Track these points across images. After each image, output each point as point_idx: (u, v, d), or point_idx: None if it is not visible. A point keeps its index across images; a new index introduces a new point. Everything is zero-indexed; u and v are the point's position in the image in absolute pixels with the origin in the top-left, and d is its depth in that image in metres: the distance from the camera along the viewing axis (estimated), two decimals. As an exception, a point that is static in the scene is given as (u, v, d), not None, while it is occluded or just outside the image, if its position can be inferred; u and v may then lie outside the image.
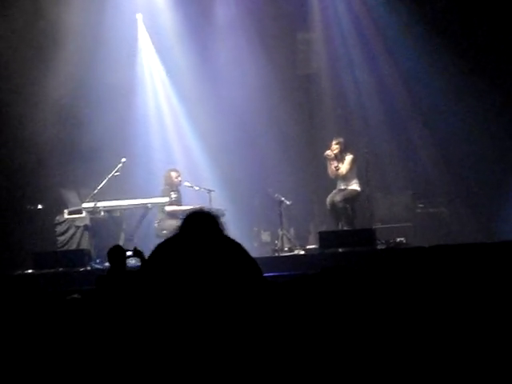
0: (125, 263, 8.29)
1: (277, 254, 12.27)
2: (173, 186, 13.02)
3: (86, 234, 12.96)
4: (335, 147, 12.56)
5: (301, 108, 15.16)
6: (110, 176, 12.75)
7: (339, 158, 12.53)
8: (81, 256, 11.78)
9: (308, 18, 15.21)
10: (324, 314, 4.64)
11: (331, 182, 12.86)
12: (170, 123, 15.47)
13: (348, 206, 12.40)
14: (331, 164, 12.55)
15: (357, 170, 12.63)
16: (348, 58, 14.89)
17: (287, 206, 13.20)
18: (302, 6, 15.07)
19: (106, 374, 4.97)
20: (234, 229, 13.04)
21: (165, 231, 12.33)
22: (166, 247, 1.66)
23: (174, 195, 12.84)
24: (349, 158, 12.51)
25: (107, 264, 11.99)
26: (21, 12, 13.85)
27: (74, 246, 12.95)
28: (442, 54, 13.81)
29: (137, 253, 8.16)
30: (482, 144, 13.73)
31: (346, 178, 12.51)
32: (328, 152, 12.53)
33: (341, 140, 12.66)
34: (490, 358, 5.73)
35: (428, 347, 5.86)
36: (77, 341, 6.49)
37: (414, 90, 14.32)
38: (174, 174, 13.12)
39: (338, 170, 12.50)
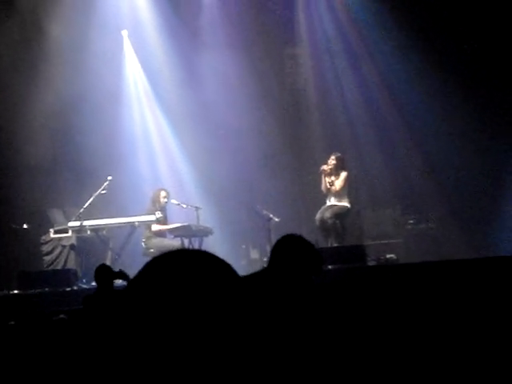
0: (112, 283, 8.17)
1: (265, 272, 12.15)
2: (158, 206, 12.88)
3: (73, 253, 12.85)
4: (332, 162, 12.51)
5: (288, 123, 15.14)
6: (96, 194, 12.66)
7: (334, 173, 12.49)
8: (67, 276, 11.66)
9: (295, 33, 15.26)
10: (315, 331, 4.56)
11: (320, 199, 12.80)
12: (157, 140, 15.43)
13: (337, 222, 12.33)
14: (325, 179, 12.50)
15: (348, 186, 12.62)
16: (335, 72, 14.92)
17: (276, 222, 13.11)
18: (288, 20, 15.12)
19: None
20: (222, 246, 13.03)
21: (152, 250, 12.25)
22: (156, 266, 1.59)
23: (158, 214, 12.71)
24: (343, 174, 12.48)
25: (94, 283, 11.91)
26: (8, 33, 13.85)
27: (60, 266, 12.83)
28: (432, 68, 13.82)
29: (121, 276, 8.04)
30: (471, 159, 13.74)
31: (337, 195, 12.46)
32: (325, 166, 12.48)
33: (339, 155, 12.63)
34: (480, 371, 5.68)
35: (419, 362, 5.81)
36: (63, 362, 6.39)
37: (402, 104, 14.35)
38: (162, 194, 12.99)
39: (331, 185, 12.44)
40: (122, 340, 1.59)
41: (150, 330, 1.55)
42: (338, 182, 12.45)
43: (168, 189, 13.31)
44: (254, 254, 14.39)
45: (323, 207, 12.58)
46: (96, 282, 8.25)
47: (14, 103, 14.05)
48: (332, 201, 12.54)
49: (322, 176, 12.57)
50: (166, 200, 12.97)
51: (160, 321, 1.55)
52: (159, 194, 12.98)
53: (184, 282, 1.59)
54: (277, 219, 13.10)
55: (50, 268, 12.85)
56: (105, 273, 8.14)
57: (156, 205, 12.86)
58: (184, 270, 1.61)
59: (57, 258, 13.08)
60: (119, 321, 1.61)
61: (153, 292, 1.58)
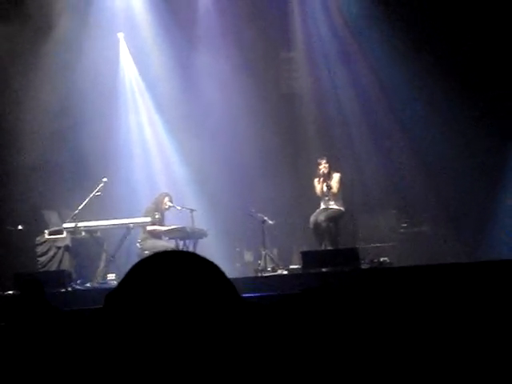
0: (42, 294, 7.68)
1: (260, 274, 12.19)
2: (158, 208, 12.90)
3: (67, 254, 12.86)
4: (325, 166, 12.56)
5: (284, 127, 15.15)
6: (91, 196, 12.64)
7: (327, 176, 12.55)
8: (62, 277, 11.65)
9: (290, 37, 15.29)
10: (308, 336, 4.56)
11: (314, 202, 12.84)
12: (152, 142, 15.44)
13: (331, 225, 12.39)
14: (322, 183, 12.55)
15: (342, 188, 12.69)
16: (331, 77, 14.95)
17: (270, 225, 13.15)
18: (284, 25, 15.14)
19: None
20: (216, 248, 13.04)
21: (147, 251, 12.23)
22: (142, 269, 1.60)
23: (157, 215, 12.75)
24: (337, 176, 12.56)
25: (88, 285, 11.93)
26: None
27: (54, 267, 12.85)
28: (426, 69, 13.83)
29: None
30: (465, 163, 13.76)
31: (335, 197, 12.52)
32: (324, 170, 12.53)
33: (327, 158, 12.69)
34: (474, 375, 5.69)
35: (412, 367, 5.82)
36: (56, 361, 6.40)
37: (398, 108, 14.36)
38: (166, 200, 12.97)
39: (330, 188, 12.49)
40: (112, 341, 1.60)
41: (138, 331, 1.56)
42: (335, 184, 12.52)
43: (172, 195, 13.26)
44: (248, 257, 14.42)
45: (318, 210, 12.63)
46: (23, 294, 7.68)
47: (11, 104, 14.07)
48: (328, 204, 12.59)
49: (316, 180, 12.63)
50: (168, 206, 12.96)
51: (147, 322, 1.56)
52: (163, 200, 12.97)
53: (170, 283, 1.60)
54: (271, 222, 13.13)
55: (44, 269, 12.86)
56: (33, 286, 7.64)
57: (158, 207, 12.88)
58: (170, 271, 1.62)
59: (51, 259, 13.09)
60: (109, 321, 1.62)
61: (139, 294, 1.59)
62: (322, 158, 12.71)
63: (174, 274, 1.62)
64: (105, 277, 12.39)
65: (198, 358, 1.56)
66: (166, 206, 12.94)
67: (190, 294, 1.58)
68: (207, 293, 1.61)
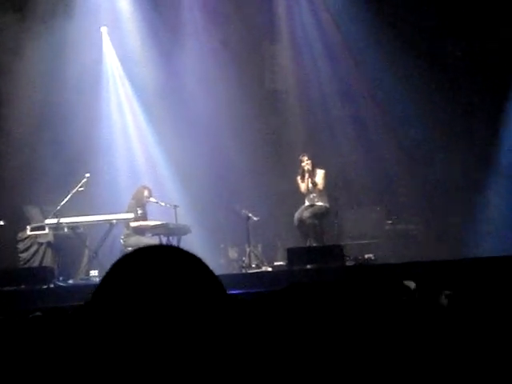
0: None
1: (244, 271, 12.20)
2: (139, 203, 12.85)
3: (50, 250, 12.78)
4: (308, 162, 12.52)
5: (268, 123, 15.13)
6: (73, 191, 12.55)
7: (311, 173, 12.51)
8: (44, 273, 11.55)
9: (275, 32, 15.26)
10: (293, 331, 4.49)
11: (299, 198, 12.81)
12: (135, 138, 15.36)
13: (316, 222, 12.36)
14: (307, 179, 12.50)
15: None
16: (315, 71, 14.94)
17: (254, 222, 13.12)
18: (268, 19, 15.10)
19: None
20: (200, 245, 12.98)
21: (130, 248, 12.17)
22: (126, 264, 1.57)
23: (140, 211, 12.69)
24: (321, 172, 12.53)
25: (71, 281, 11.85)
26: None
27: (36, 263, 12.75)
28: (410, 64, 13.84)
29: None
30: (451, 160, 13.79)
31: (320, 194, 12.49)
32: (308, 167, 12.47)
33: (308, 155, 12.64)
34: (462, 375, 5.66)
35: (396, 365, 5.78)
36: (37, 360, 6.32)
37: (382, 103, 14.36)
38: (145, 192, 12.94)
39: (316, 185, 12.46)
40: (95, 339, 1.58)
41: (122, 327, 1.53)
42: (320, 180, 12.49)
43: (151, 187, 13.24)
44: (233, 254, 14.37)
45: (302, 207, 12.60)
46: None
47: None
48: (313, 200, 12.55)
49: (299, 178, 12.59)
50: (148, 198, 12.92)
51: (131, 318, 1.53)
52: (142, 192, 12.94)
53: (155, 278, 1.58)
54: (255, 218, 13.11)
55: (26, 265, 12.77)
56: None
57: (138, 202, 12.83)
58: (154, 265, 1.60)
59: (33, 255, 13.00)
60: (92, 319, 1.58)
61: (123, 290, 1.57)
62: (304, 155, 12.67)
63: (158, 268, 1.59)
64: (87, 273, 12.33)
65: (184, 354, 1.53)
66: (147, 199, 12.90)
67: (175, 289, 1.56)
68: (193, 287, 1.59)
